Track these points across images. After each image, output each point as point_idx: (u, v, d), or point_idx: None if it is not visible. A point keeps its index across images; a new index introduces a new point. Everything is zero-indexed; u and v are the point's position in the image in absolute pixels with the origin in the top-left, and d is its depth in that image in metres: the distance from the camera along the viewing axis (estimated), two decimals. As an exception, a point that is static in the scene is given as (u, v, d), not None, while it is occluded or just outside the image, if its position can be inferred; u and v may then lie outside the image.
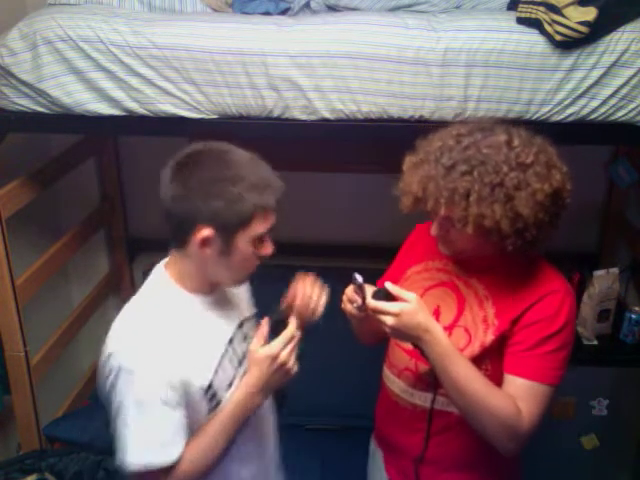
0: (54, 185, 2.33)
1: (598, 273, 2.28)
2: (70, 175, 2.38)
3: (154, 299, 1.28)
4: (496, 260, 1.31)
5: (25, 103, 1.80)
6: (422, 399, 1.39)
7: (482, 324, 1.32)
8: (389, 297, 1.23)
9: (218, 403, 1.27)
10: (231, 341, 1.32)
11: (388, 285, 1.23)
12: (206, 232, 1.17)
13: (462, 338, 1.33)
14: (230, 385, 1.29)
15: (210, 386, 1.25)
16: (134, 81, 1.74)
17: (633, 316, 2.31)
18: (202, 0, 1.96)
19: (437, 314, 1.37)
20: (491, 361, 1.31)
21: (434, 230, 1.30)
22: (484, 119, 1.33)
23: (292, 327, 1.27)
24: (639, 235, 2.48)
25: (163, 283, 1.28)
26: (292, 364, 1.25)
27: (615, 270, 2.32)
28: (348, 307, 1.32)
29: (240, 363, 1.33)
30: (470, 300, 1.36)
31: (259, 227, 1.20)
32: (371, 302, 1.23)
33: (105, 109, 1.78)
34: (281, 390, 1.38)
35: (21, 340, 2.03)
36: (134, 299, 1.29)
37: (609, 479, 2.50)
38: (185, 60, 1.70)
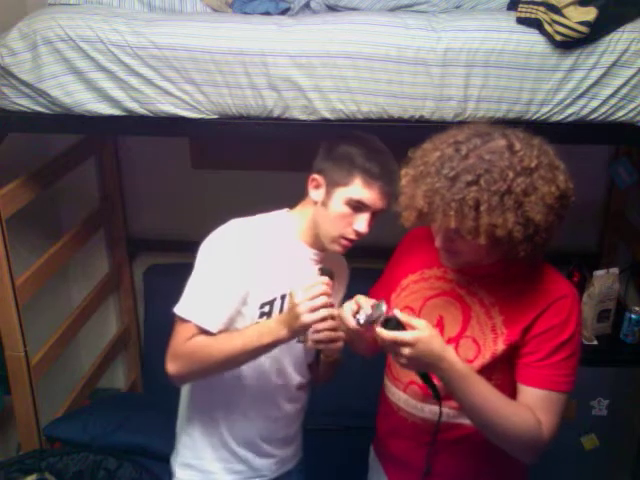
0: (54, 185, 2.33)
1: (598, 273, 2.28)
2: (70, 175, 2.38)
3: (269, 219, 1.50)
4: (499, 266, 1.29)
5: (25, 103, 1.79)
6: (432, 413, 1.35)
7: (491, 333, 1.30)
8: (399, 325, 1.18)
9: None
10: None
11: (397, 313, 1.19)
12: (317, 177, 1.44)
13: (470, 349, 1.31)
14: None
15: (267, 304, 1.41)
16: (134, 81, 1.74)
17: (633, 316, 2.31)
18: (202, 0, 1.96)
19: (440, 325, 1.34)
20: (501, 371, 1.30)
21: (439, 242, 1.26)
22: (479, 122, 1.30)
23: (318, 279, 1.33)
24: (639, 235, 2.48)
25: (283, 216, 1.52)
26: (302, 310, 1.26)
27: (615, 270, 2.32)
28: (350, 323, 1.24)
29: None
30: (476, 309, 1.33)
31: (357, 191, 1.38)
32: (384, 333, 1.16)
33: (105, 109, 1.78)
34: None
35: (21, 340, 2.03)
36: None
37: (609, 479, 2.50)
38: (185, 60, 1.70)
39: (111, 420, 2.34)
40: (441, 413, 1.32)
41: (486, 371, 1.27)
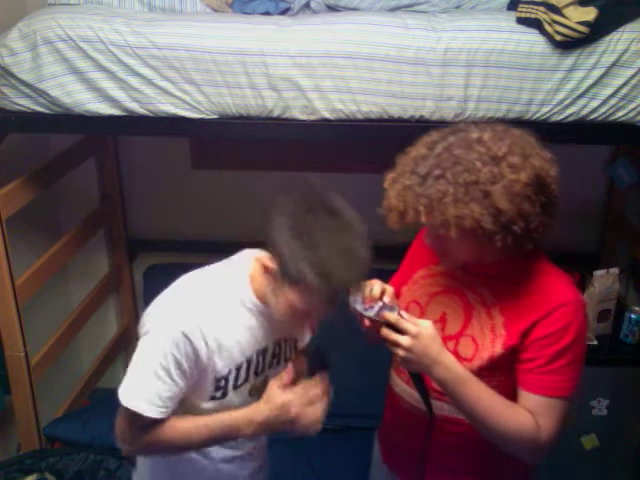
0: (54, 185, 2.33)
1: (598, 273, 2.28)
2: (70, 175, 2.38)
3: (221, 277, 1.31)
4: (503, 267, 1.28)
5: (25, 103, 1.80)
6: (437, 407, 1.35)
7: (490, 333, 1.29)
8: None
9: (223, 395, 1.30)
10: (262, 352, 1.34)
11: (404, 314, 1.22)
12: (270, 263, 1.21)
13: (469, 348, 1.30)
14: (237, 387, 1.32)
15: (222, 379, 1.28)
16: (134, 81, 1.74)
17: (633, 316, 2.31)
18: (202, 0, 1.96)
19: (443, 321, 1.34)
20: (502, 373, 1.29)
21: (427, 240, 1.28)
22: (464, 122, 1.29)
23: (318, 389, 1.27)
24: (639, 235, 2.48)
25: (239, 271, 1.31)
26: (305, 423, 1.24)
27: (615, 270, 2.32)
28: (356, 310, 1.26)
29: (257, 374, 1.35)
30: (478, 308, 1.31)
31: (298, 298, 1.19)
32: (387, 315, 1.21)
33: (105, 109, 1.78)
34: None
35: (21, 340, 2.03)
36: (210, 267, 1.33)
37: (609, 479, 2.50)
38: (185, 60, 1.70)
39: (111, 420, 2.33)
40: (433, 416, 1.33)
41: (486, 372, 1.27)
